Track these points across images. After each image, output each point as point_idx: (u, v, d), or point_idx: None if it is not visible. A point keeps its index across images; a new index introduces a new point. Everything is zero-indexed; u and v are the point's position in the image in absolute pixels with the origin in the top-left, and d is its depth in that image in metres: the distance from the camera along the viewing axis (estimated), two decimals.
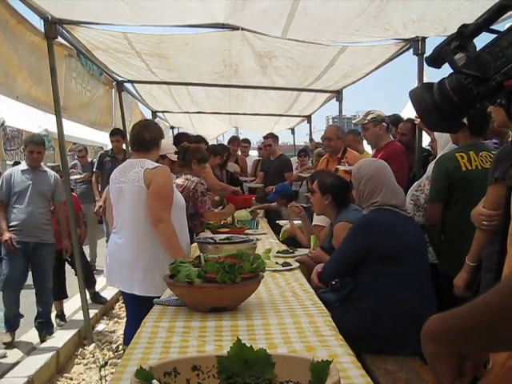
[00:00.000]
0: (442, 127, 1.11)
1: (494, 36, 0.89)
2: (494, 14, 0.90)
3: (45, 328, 4.48)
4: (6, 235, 4.25)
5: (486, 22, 0.91)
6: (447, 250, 2.89)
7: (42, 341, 4.37)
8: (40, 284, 4.51)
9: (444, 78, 0.97)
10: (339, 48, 4.63)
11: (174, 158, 3.85)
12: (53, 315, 4.74)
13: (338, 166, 4.27)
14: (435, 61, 0.99)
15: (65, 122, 4.19)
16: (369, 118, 4.03)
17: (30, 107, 4.33)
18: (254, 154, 8.96)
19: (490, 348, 0.79)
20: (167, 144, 3.79)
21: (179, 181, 3.83)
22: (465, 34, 0.93)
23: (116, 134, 6.22)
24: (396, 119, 4.87)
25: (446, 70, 0.97)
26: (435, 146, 3.47)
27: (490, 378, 0.92)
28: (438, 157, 3.12)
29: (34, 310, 4.53)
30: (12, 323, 4.38)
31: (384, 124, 3.97)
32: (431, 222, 2.96)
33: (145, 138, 3.03)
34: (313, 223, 3.92)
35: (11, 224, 4.34)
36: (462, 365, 0.79)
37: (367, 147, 4.98)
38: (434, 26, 3.60)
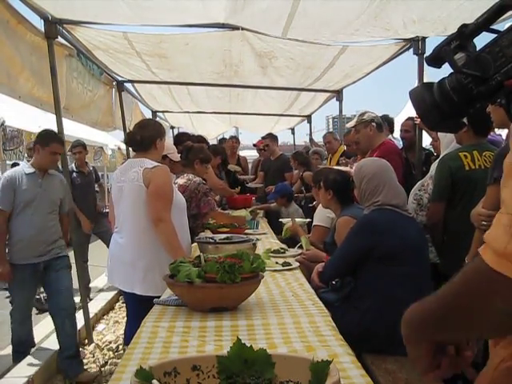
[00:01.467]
0: (442, 127, 1.11)
1: (494, 36, 0.88)
2: (493, 14, 0.90)
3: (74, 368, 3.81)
4: (5, 268, 3.55)
5: (485, 22, 0.91)
6: (449, 249, 2.89)
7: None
8: (60, 307, 3.74)
9: (444, 78, 0.97)
10: (339, 48, 4.63)
11: (176, 157, 3.84)
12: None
13: (337, 167, 4.29)
14: (435, 60, 0.99)
15: (65, 121, 4.18)
16: (358, 119, 4.02)
17: (31, 107, 4.32)
18: (250, 153, 8.92)
19: (455, 335, 0.81)
20: (168, 144, 3.77)
21: (181, 181, 3.81)
22: (465, 34, 0.93)
23: (77, 145, 5.97)
24: (387, 119, 4.88)
25: (446, 70, 0.97)
26: (438, 146, 3.47)
27: (483, 381, 0.92)
28: (441, 156, 3.11)
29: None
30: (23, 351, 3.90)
31: (373, 124, 3.95)
32: (433, 221, 2.95)
33: (136, 138, 3.06)
34: (313, 223, 3.94)
35: (16, 239, 3.62)
36: (437, 355, 0.82)
37: None
38: (434, 25, 3.60)
